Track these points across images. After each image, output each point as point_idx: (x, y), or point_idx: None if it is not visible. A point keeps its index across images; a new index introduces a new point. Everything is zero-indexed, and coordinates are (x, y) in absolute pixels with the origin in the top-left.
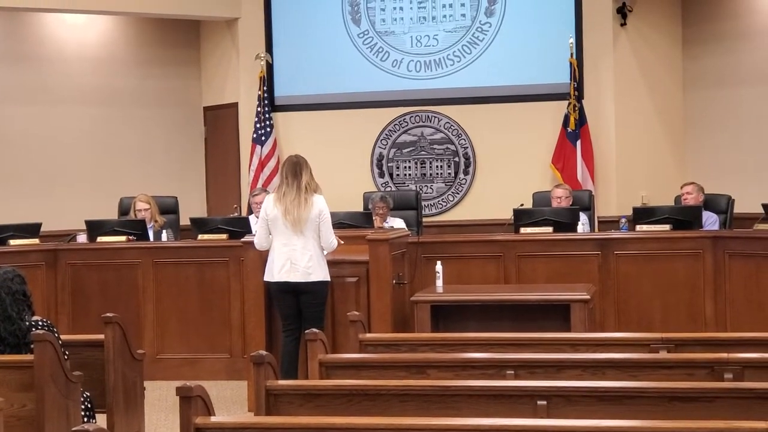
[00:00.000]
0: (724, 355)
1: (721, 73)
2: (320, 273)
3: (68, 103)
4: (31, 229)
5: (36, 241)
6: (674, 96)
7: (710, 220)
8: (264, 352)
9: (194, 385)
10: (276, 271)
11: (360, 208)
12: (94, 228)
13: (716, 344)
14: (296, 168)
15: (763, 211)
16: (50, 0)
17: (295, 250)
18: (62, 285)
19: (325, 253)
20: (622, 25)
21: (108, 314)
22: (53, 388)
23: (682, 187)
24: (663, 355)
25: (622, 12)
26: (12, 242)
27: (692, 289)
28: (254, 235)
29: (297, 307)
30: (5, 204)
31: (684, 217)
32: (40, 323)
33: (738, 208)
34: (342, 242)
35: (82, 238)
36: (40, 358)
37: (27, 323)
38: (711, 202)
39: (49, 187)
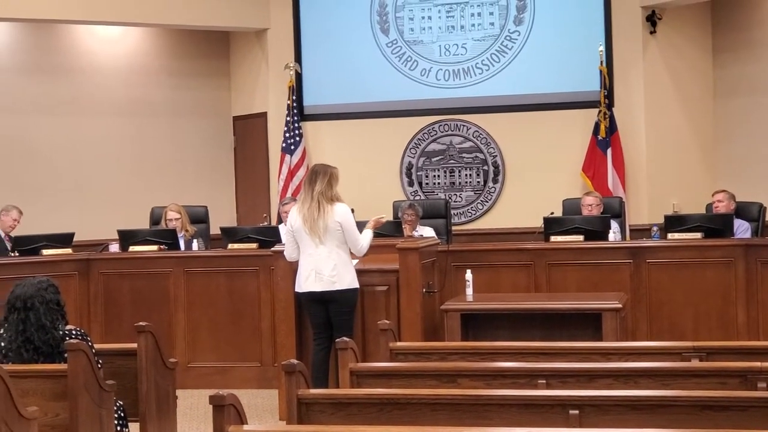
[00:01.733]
0: (757, 363)
1: (751, 80)
2: (345, 281)
3: (100, 114)
4: (64, 239)
5: (69, 250)
6: (704, 103)
7: (742, 228)
8: (295, 361)
9: (227, 394)
10: (302, 281)
11: (390, 217)
12: (126, 237)
13: (749, 353)
14: (312, 177)
15: None
16: (82, 12)
17: (319, 259)
18: (95, 294)
19: (356, 261)
20: (652, 32)
21: (140, 323)
22: (87, 397)
23: (713, 195)
24: (695, 363)
25: (652, 20)
26: (45, 252)
27: (724, 297)
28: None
29: (326, 315)
30: (39, 214)
31: (715, 225)
32: (73, 332)
33: None
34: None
35: (114, 248)
36: (74, 367)
37: (60, 332)
38: (742, 210)
39: (81, 197)
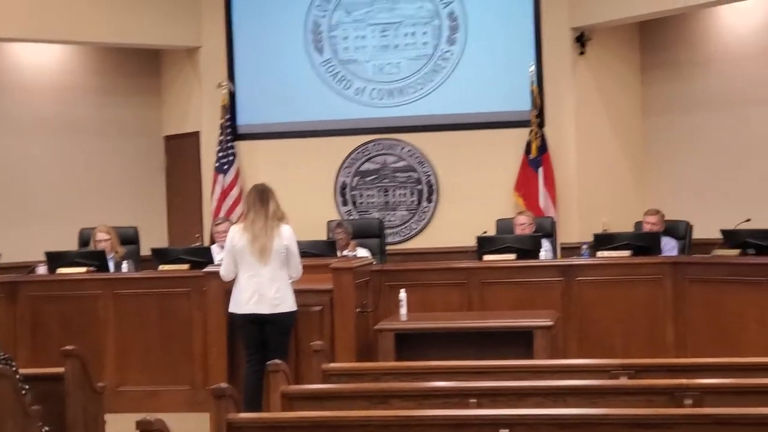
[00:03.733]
0: (684, 380)
1: (678, 99)
2: (288, 304)
3: (27, 133)
4: None
5: None
6: (633, 122)
7: (669, 246)
8: (225, 385)
9: (154, 419)
10: (243, 303)
11: (324, 237)
12: (54, 259)
13: (676, 370)
14: (263, 195)
15: (721, 237)
16: (7, 29)
17: (262, 281)
18: (22, 317)
19: (291, 281)
20: (582, 53)
21: (67, 347)
22: (11, 424)
23: (645, 216)
24: (623, 381)
25: (581, 40)
26: None
27: (653, 314)
28: (217, 265)
29: (262, 337)
30: None
31: (644, 243)
32: None
33: (696, 234)
34: None
35: (42, 270)
36: None
37: None
38: (670, 228)
39: (8, 218)
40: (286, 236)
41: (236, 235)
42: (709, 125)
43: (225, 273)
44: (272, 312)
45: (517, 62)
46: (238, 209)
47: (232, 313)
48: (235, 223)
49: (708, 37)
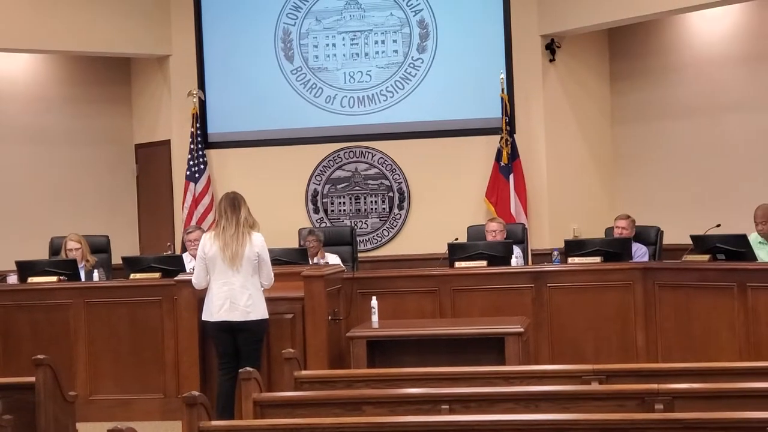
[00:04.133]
0: (655, 386)
1: (647, 106)
2: (259, 311)
3: None
4: None
5: None
6: (603, 129)
7: (640, 252)
8: (197, 393)
9: (126, 428)
10: (215, 311)
11: (295, 245)
12: (25, 268)
13: (647, 375)
14: (234, 203)
15: (691, 243)
16: None
17: (233, 289)
18: None
19: (263, 288)
20: (551, 61)
21: (38, 356)
22: None
23: (616, 221)
24: (594, 386)
25: (551, 48)
26: None
27: (624, 320)
28: (189, 273)
29: (235, 345)
30: None
31: (614, 249)
32: None
33: (667, 240)
34: None
35: (12, 279)
36: None
37: None
38: (640, 234)
39: None
40: (258, 244)
41: (208, 243)
42: (679, 132)
43: (197, 281)
44: (244, 320)
45: (487, 70)
46: (210, 217)
47: (204, 321)
48: (207, 231)
49: (677, 44)
